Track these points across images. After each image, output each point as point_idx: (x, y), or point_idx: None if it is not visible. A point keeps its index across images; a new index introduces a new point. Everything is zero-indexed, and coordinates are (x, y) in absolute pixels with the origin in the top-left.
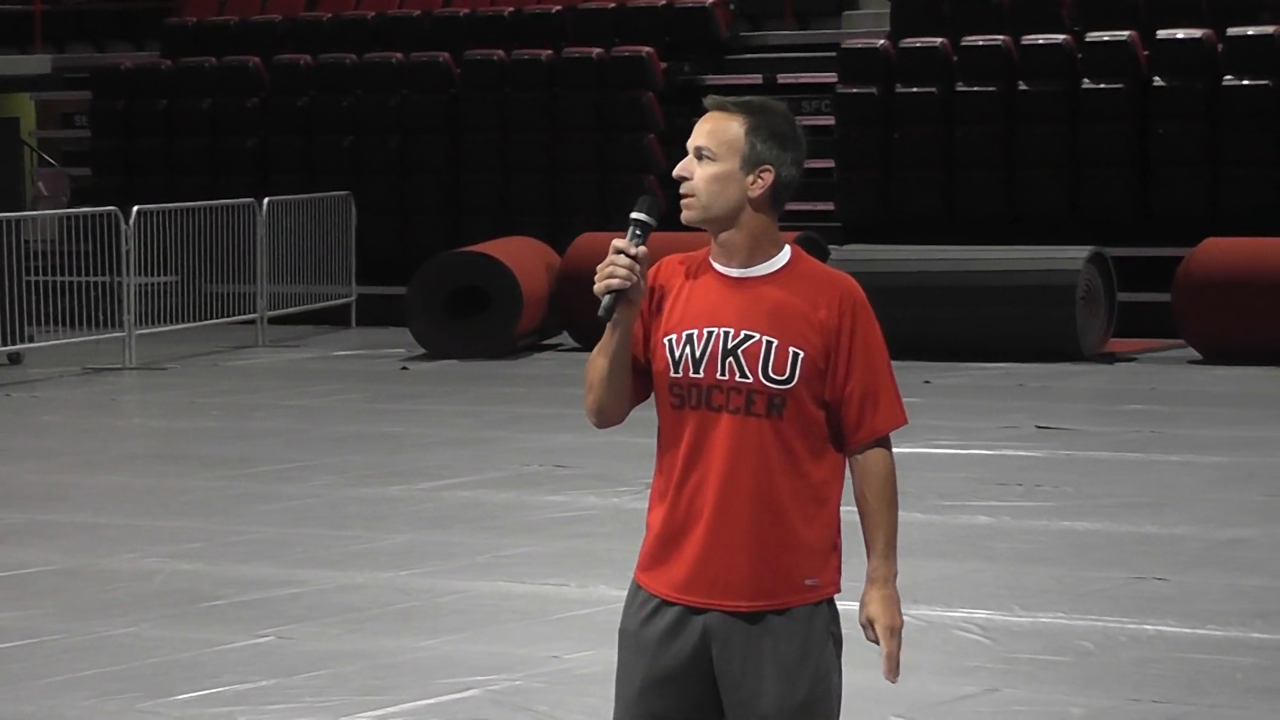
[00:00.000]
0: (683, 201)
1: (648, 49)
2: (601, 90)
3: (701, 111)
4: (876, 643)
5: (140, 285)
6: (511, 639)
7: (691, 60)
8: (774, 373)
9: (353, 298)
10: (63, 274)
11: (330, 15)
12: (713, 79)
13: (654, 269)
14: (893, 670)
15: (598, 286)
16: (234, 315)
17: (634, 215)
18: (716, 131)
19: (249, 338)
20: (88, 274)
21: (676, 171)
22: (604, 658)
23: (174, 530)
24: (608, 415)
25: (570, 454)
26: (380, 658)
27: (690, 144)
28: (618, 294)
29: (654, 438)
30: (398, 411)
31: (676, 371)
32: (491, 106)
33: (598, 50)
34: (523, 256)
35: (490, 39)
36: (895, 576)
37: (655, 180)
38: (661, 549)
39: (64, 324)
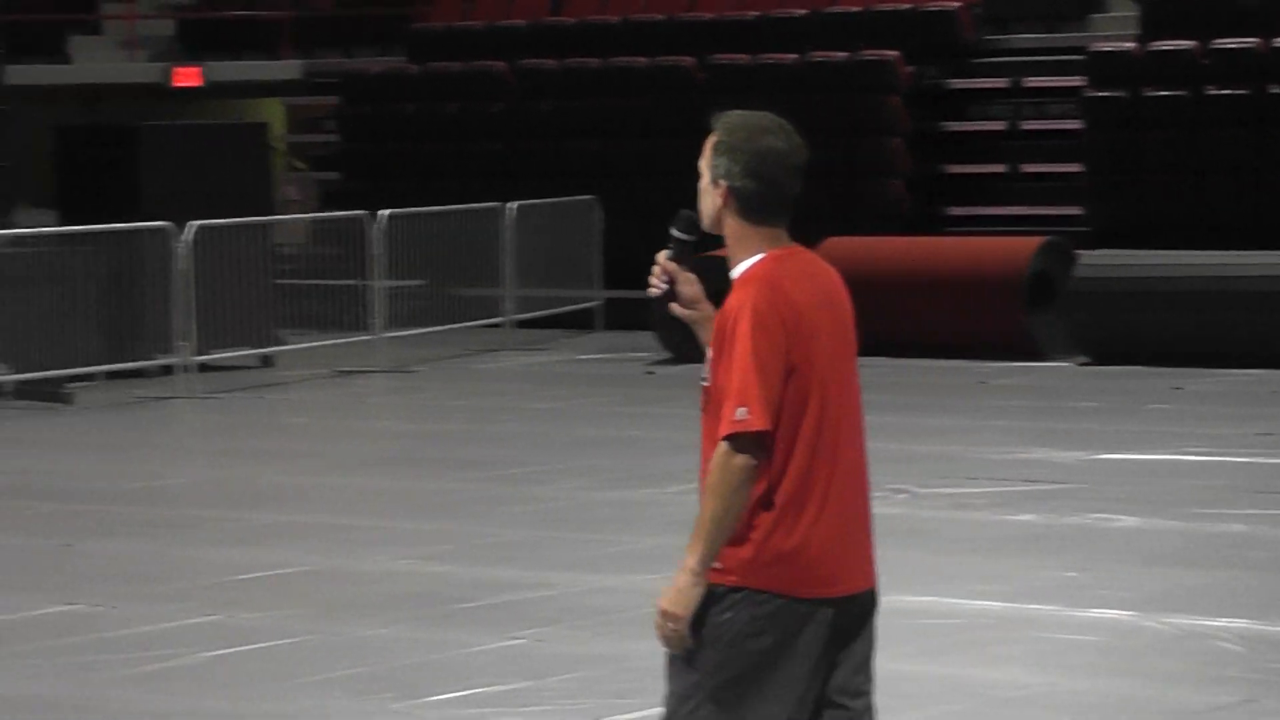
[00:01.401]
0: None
1: (893, 53)
2: (846, 94)
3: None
4: None
5: (389, 289)
6: None
7: (937, 64)
8: (704, 372)
9: (599, 301)
10: (312, 278)
11: (576, 20)
12: (957, 83)
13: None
14: (662, 641)
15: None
16: (481, 319)
17: (672, 231)
18: (704, 149)
19: (496, 341)
20: (337, 278)
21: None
22: None
23: (425, 532)
24: None
25: None
26: (632, 661)
27: None
28: (660, 300)
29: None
30: (644, 415)
31: None
32: (735, 109)
33: (843, 54)
34: None
35: (735, 43)
36: (688, 569)
37: (901, 185)
38: None
39: (314, 327)
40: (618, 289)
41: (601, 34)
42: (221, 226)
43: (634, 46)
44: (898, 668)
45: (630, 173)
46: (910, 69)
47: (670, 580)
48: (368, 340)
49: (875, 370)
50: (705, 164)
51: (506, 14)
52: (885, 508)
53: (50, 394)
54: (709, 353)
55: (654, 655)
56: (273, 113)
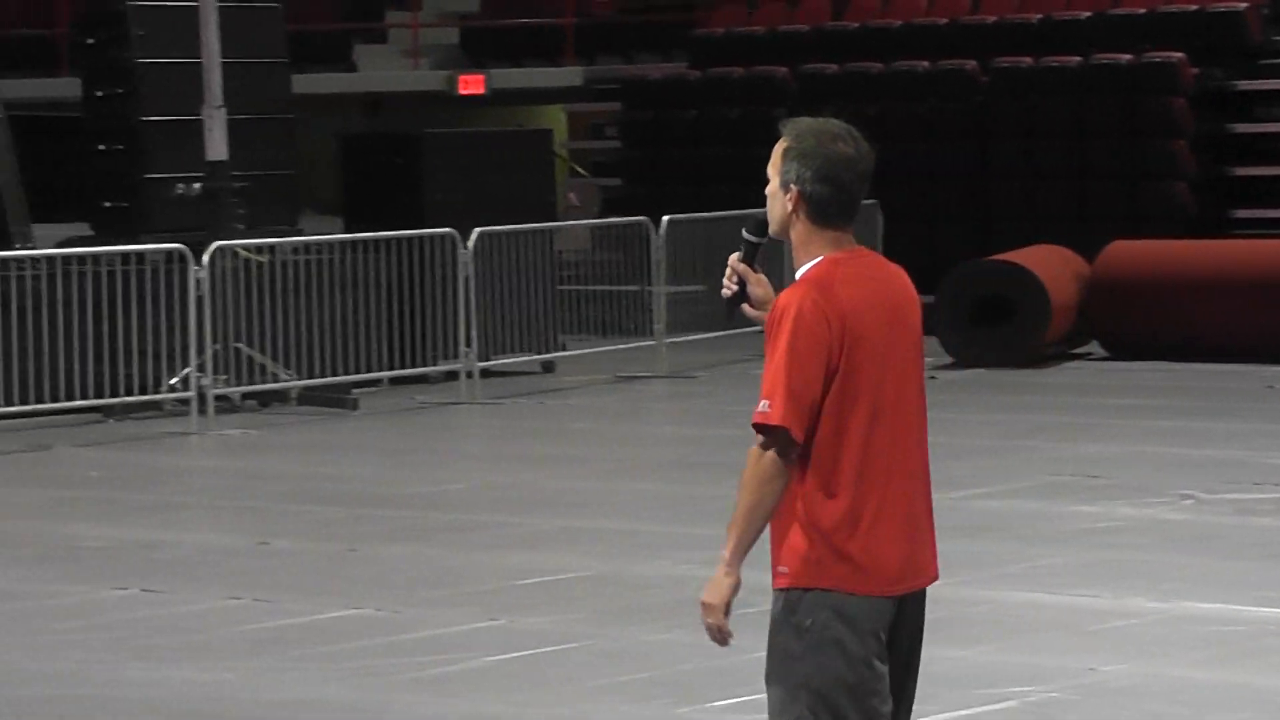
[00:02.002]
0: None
1: (1178, 54)
2: (1130, 96)
3: None
4: None
5: (670, 294)
6: (1045, 650)
7: (1223, 65)
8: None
9: None
10: (594, 283)
11: (857, 24)
12: (1245, 84)
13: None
14: (714, 640)
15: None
16: (761, 324)
17: (744, 233)
18: (773, 155)
19: None
20: (618, 283)
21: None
22: (1139, 671)
23: (706, 537)
24: None
25: (1101, 463)
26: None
27: None
28: (731, 301)
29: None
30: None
31: None
32: (1019, 113)
33: (1127, 56)
34: (1050, 265)
35: (1017, 46)
36: (724, 558)
37: (1185, 187)
38: None
39: (595, 332)
40: None
41: (883, 37)
42: (504, 233)
43: (916, 50)
44: (1186, 675)
45: (911, 177)
46: (1195, 70)
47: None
48: (648, 345)
49: (1158, 375)
50: (774, 170)
51: (788, 19)
52: (1170, 513)
53: (335, 400)
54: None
55: (938, 662)
56: (554, 119)
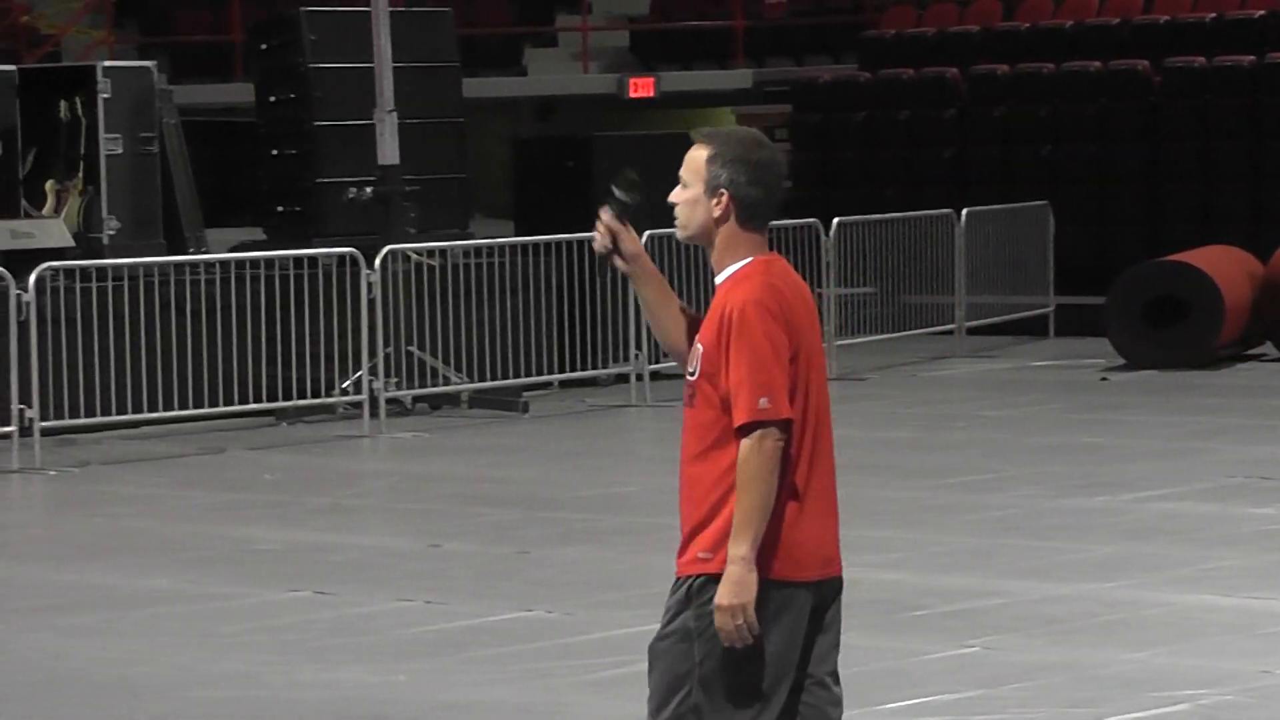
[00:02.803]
0: (676, 223)
1: None
2: None
3: None
4: None
5: (840, 296)
6: (1220, 653)
7: None
8: (690, 366)
9: (1051, 308)
10: None
11: (1028, 24)
12: None
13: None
14: (728, 639)
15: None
16: (932, 326)
17: (613, 189)
18: (689, 161)
19: (947, 348)
20: None
21: (670, 198)
22: None
23: (876, 539)
24: (679, 354)
25: (1275, 465)
26: (1086, 669)
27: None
28: (603, 256)
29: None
30: (1098, 422)
31: None
32: (1192, 113)
33: None
34: (1224, 265)
35: (1190, 45)
36: (740, 559)
37: None
38: None
39: None
40: (1070, 295)
41: (1054, 38)
42: (673, 235)
43: (1087, 50)
44: None
45: (1083, 178)
46: None
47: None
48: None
49: None
50: (695, 176)
51: (959, 20)
52: None
53: (505, 403)
54: (696, 347)
55: (1111, 664)
56: (724, 122)
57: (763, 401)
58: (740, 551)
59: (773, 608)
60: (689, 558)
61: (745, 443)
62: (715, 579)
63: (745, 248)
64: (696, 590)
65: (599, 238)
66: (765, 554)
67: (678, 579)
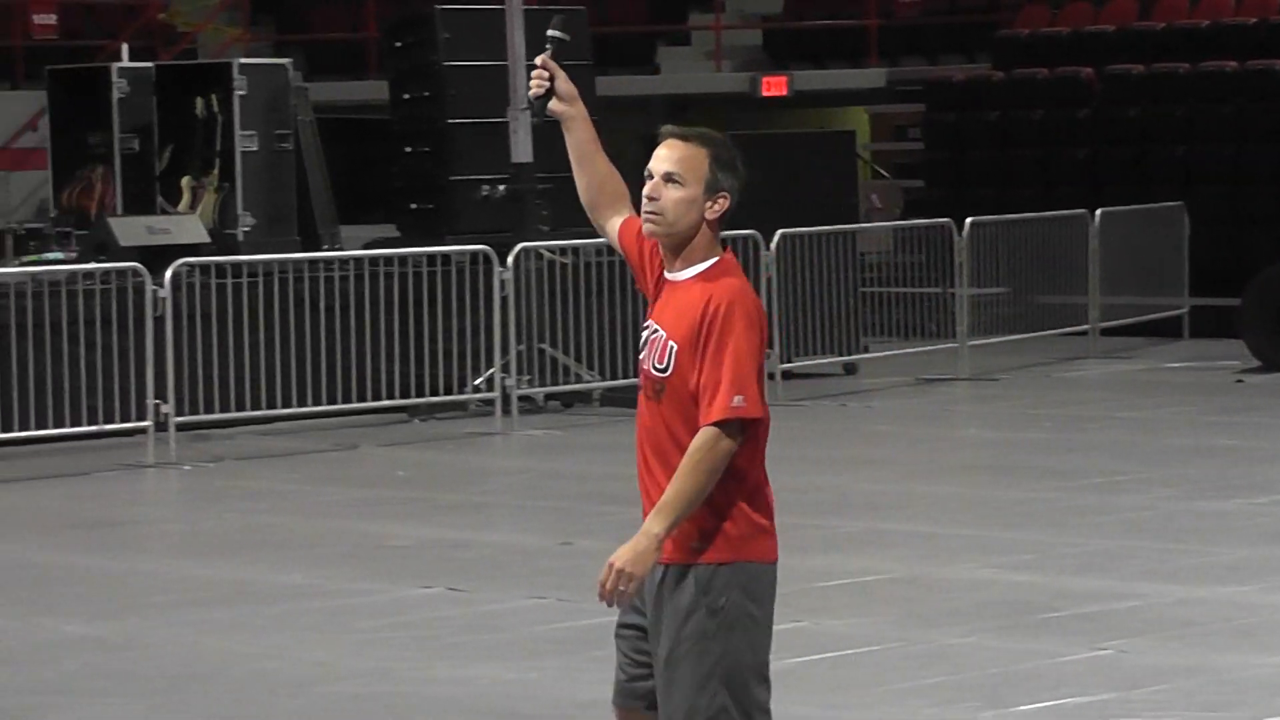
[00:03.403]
0: (651, 218)
1: None
2: None
3: None
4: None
5: (973, 296)
6: None
7: None
8: (658, 362)
9: (1185, 309)
10: (896, 285)
11: (1163, 24)
12: None
13: (649, 243)
14: (601, 597)
15: (529, 93)
16: (1065, 326)
17: (550, 31)
18: (685, 160)
19: (1080, 349)
20: (921, 285)
21: (648, 192)
22: None
23: (1009, 541)
24: (591, 209)
25: None
26: (1221, 673)
27: (655, 168)
28: (540, 98)
29: None
30: (1232, 424)
31: (640, 355)
32: None
33: None
34: None
35: None
36: (653, 535)
37: None
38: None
39: (897, 334)
40: (1205, 296)
41: (1190, 37)
42: (806, 234)
43: (1224, 50)
44: None
45: (1219, 179)
46: None
47: (624, 543)
48: (950, 348)
49: None
50: (693, 174)
51: (1093, 19)
52: None
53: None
54: (668, 345)
55: (1245, 668)
56: (857, 121)
57: (737, 400)
58: (657, 530)
59: (766, 588)
60: (680, 547)
61: (708, 432)
62: (719, 566)
63: (714, 246)
64: (705, 584)
65: (536, 80)
66: (761, 538)
67: (666, 565)
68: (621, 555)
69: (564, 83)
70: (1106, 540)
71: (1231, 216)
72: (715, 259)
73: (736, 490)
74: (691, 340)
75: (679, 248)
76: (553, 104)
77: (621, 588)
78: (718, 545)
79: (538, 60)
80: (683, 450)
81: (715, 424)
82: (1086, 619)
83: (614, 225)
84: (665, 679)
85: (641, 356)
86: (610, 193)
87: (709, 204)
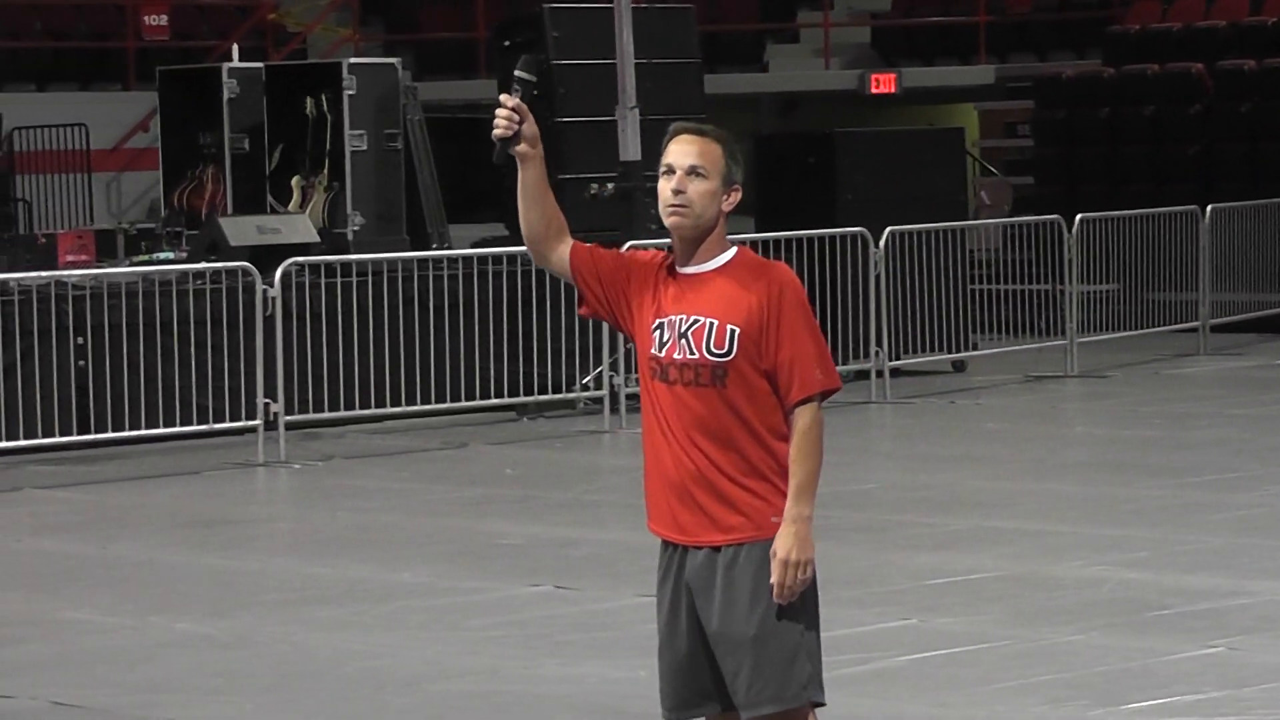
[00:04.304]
0: (680, 211)
1: None
2: None
3: None
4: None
5: (1082, 293)
6: None
7: None
8: (715, 347)
9: None
10: (1005, 282)
11: (1275, 19)
12: None
13: (634, 254)
14: (780, 596)
15: (494, 135)
16: (1175, 323)
17: (516, 73)
18: (706, 154)
19: (1191, 345)
20: (1030, 282)
21: (674, 186)
22: None
23: (1120, 538)
24: (538, 241)
25: None
26: None
27: (677, 163)
28: (505, 140)
29: None
30: None
31: (657, 351)
32: None
33: None
34: None
35: None
36: (805, 518)
37: None
38: (651, 493)
39: (1006, 332)
40: None
41: None
42: (915, 231)
43: None
44: None
45: None
46: None
47: (782, 536)
48: (1060, 345)
49: None
50: (715, 168)
51: (1204, 15)
52: None
53: None
54: (726, 329)
55: None
56: (966, 118)
57: (818, 374)
58: (806, 512)
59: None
60: (757, 524)
61: (810, 408)
62: (768, 543)
63: (725, 238)
64: (762, 558)
65: (503, 122)
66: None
67: (723, 546)
68: (785, 548)
69: (530, 125)
70: (1217, 538)
71: None
72: (735, 249)
73: (775, 463)
74: (757, 322)
75: (699, 240)
76: (519, 148)
77: (801, 576)
78: (764, 520)
79: (507, 102)
80: (751, 429)
81: (811, 398)
82: (1197, 617)
83: (563, 252)
84: (752, 658)
85: (666, 347)
86: (556, 227)
87: (725, 196)
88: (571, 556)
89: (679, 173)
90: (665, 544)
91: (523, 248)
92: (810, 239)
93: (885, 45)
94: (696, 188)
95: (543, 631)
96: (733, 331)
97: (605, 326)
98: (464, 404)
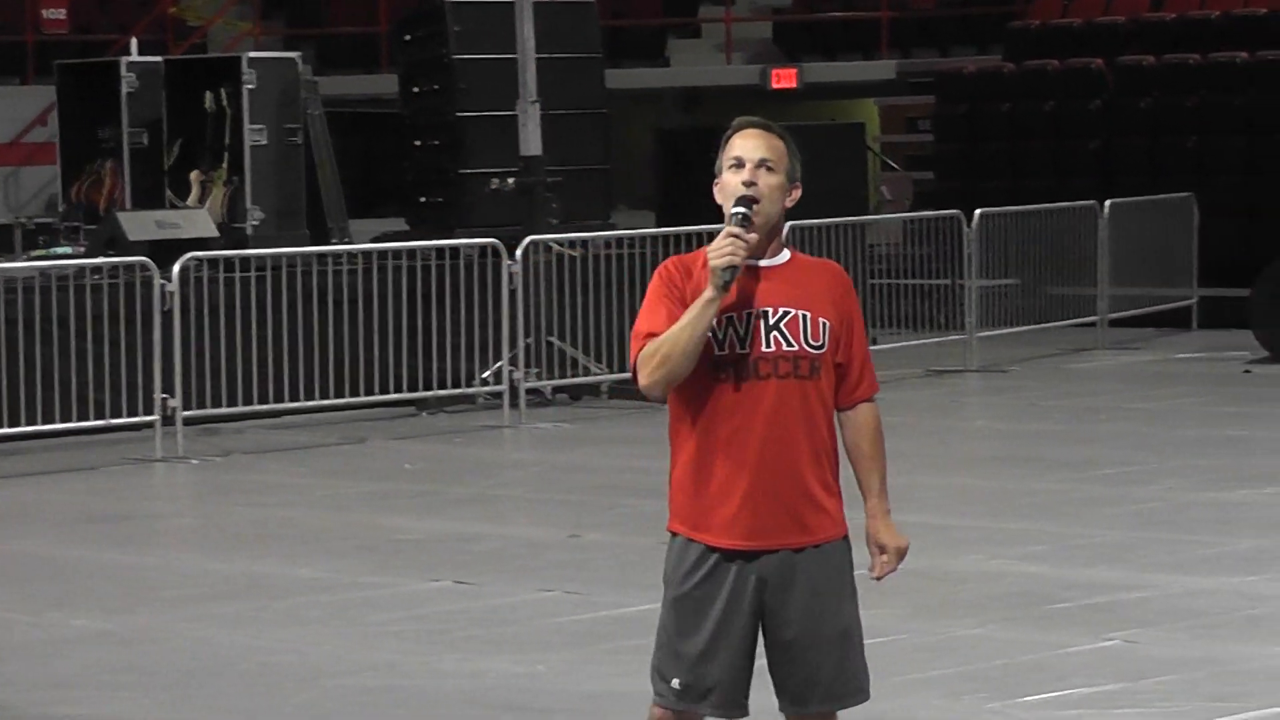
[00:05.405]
0: (755, 207)
1: None
2: None
3: None
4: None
5: (982, 288)
6: None
7: None
8: (812, 340)
9: (1194, 300)
10: (906, 277)
11: (1175, 15)
12: None
13: (668, 267)
14: (879, 578)
15: (720, 263)
16: (1075, 317)
17: (739, 210)
18: (774, 148)
19: (1089, 340)
20: (930, 277)
21: (747, 178)
22: None
23: (1019, 532)
24: (676, 382)
25: None
26: (1229, 664)
27: (748, 155)
28: (734, 269)
29: None
30: (1242, 415)
31: (721, 349)
32: None
33: None
34: None
35: None
36: (890, 509)
37: None
38: (711, 502)
39: (907, 326)
40: (1214, 287)
41: (1201, 28)
42: (816, 226)
43: (1235, 41)
44: None
45: (1229, 170)
46: None
47: (888, 530)
48: (960, 340)
49: None
50: (781, 163)
51: (1104, 11)
52: None
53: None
54: (819, 321)
55: (1255, 659)
56: (867, 113)
57: (874, 374)
58: (889, 505)
59: None
60: (835, 521)
61: (875, 407)
62: (845, 537)
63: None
64: (847, 554)
65: (743, 251)
66: None
67: (805, 546)
68: (894, 539)
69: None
70: (1117, 531)
71: (1242, 207)
72: (787, 247)
73: (833, 462)
74: (841, 316)
75: (771, 234)
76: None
77: (901, 561)
78: (840, 516)
79: (737, 231)
80: (829, 423)
81: (873, 396)
82: (1095, 610)
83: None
84: (841, 652)
85: (749, 341)
86: None
87: (790, 192)
88: (472, 551)
89: (749, 165)
90: (710, 551)
91: (423, 242)
92: (712, 234)
93: (787, 40)
94: (768, 180)
95: (443, 627)
96: (824, 325)
97: (505, 321)
98: (364, 399)
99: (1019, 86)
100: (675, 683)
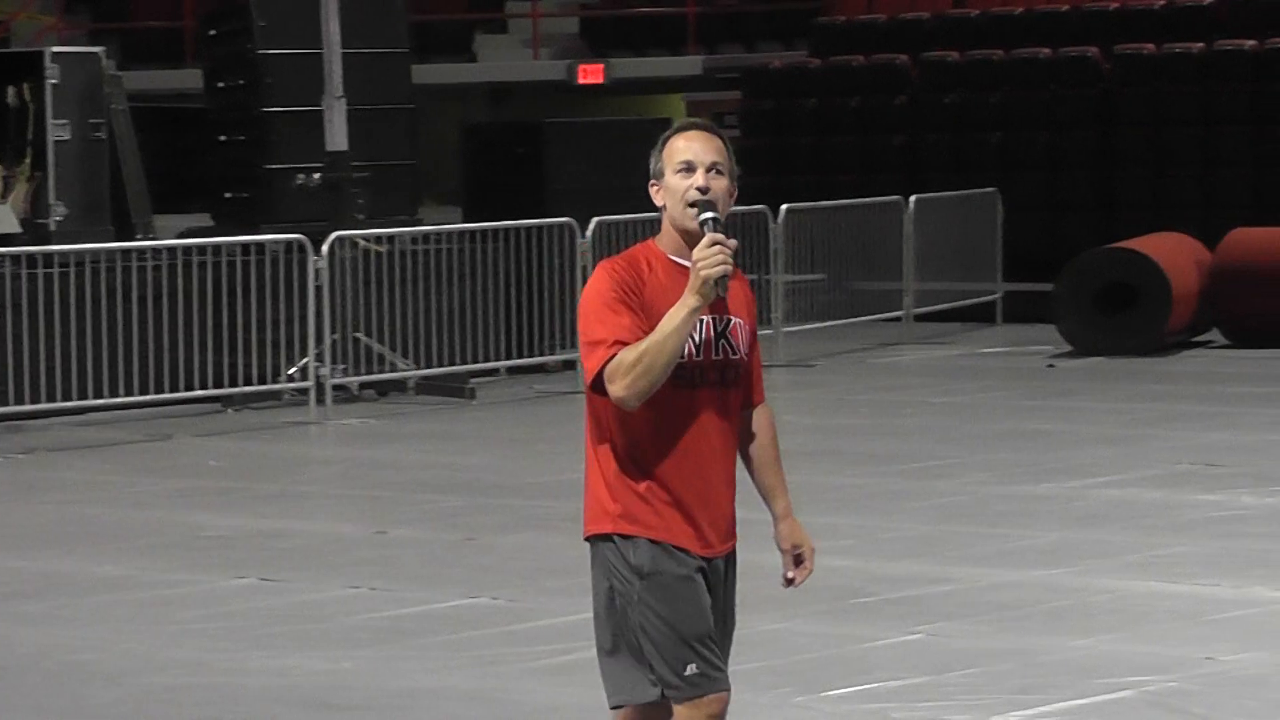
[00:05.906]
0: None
1: None
2: (1255, 83)
3: None
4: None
5: (788, 282)
6: (1166, 640)
7: None
8: (743, 348)
9: (999, 294)
10: None
11: (979, 11)
12: None
13: (617, 269)
14: (794, 584)
15: (713, 272)
16: (881, 312)
17: (710, 215)
18: (720, 151)
19: (895, 335)
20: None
21: (700, 184)
22: (1260, 660)
23: (825, 526)
24: (655, 389)
25: (1223, 452)
26: (1033, 656)
27: (700, 159)
28: (728, 277)
29: None
30: (1046, 409)
31: (694, 354)
32: (1142, 101)
33: (1251, 43)
34: (1173, 253)
35: (1141, 32)
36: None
37: None
38: (665, 507)
39: None
40: (1019, 282)
41: (1005, 25)
42: (623, 222)
43: (1038, 37)
44: None
45: (1033, 165)
46: None
47: (800, 530)
48: (766, 334)
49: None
50: (727, 165)
51: (910, 7)
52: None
53: (453, 389)
54: (738, 325)
55: (1058, 651)
56: (674, 109)
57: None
58: (789, 501)
59: None
60: (734, 533)
61: (769, 410)
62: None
63: None
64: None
65: (731, 259)
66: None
67: (727, 554)
68: (804, 539)
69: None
70: (921, 525)
71: (1046, 202)
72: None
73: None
74: (750, 322)
75: (691, 237)
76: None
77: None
78: None
79: (720, 239)
80: (735, 433)
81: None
82: (900, 603)
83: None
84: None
85: (702, 348)
86: None
87: (731, 192)
88: (278, 548)
89: (701, 169)
90: (677, 550)
91: (228, 238)
92: (519, 229)
93: (594, 36)
94: (719, 184)
95: (248, 624)
96: (743, 328)
97: (311, 317)
98: (169, 395)
99: (825, 82)
100: (691, 668)
